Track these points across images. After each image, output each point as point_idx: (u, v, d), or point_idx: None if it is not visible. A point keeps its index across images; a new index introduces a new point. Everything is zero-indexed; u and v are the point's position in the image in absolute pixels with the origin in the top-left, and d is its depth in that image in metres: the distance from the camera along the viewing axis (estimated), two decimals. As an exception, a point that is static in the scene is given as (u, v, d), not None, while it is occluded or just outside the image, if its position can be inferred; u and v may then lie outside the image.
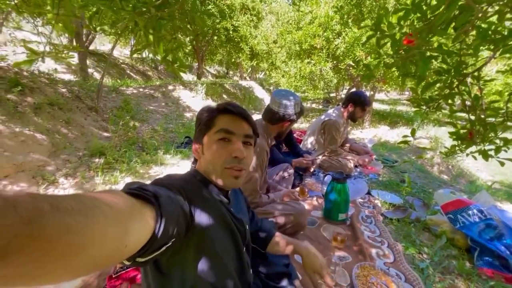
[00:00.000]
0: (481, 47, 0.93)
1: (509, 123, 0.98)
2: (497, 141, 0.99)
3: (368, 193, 2.34)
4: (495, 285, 1.33)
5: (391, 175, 2.96)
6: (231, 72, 22.08)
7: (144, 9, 0.85)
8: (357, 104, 2.62)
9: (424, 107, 1.16)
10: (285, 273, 1.08)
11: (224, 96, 9.43)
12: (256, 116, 1.14)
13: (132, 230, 0.37)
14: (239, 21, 10.43)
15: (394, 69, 1.09)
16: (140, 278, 1.20)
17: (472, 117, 1.02)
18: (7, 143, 2.66)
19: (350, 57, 6.46)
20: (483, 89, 1.03)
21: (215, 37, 11.24)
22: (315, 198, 2.22)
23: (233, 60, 13.72)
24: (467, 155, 1.08)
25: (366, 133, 6.58)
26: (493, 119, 1.02)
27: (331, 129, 2.66)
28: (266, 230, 1.03)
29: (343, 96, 11.52)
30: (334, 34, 6.71)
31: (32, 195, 0.25)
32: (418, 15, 0.90)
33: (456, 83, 1.02)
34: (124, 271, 1.21)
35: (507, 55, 0.92)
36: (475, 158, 1.07)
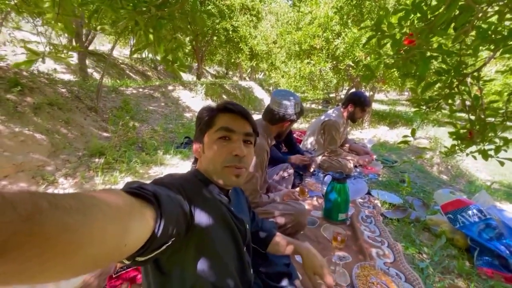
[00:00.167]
0: (481, 47, 0.93)
1: (508, 123, 0.99)
2: (497, 140, 1.00)
3: (368, 193, 2.34)
4: (494, 285, 1.33)
5: (390, 175, 2.97)
6: (230, 73, 22.07)
7: (144, 8, 0.85)
8: (357, 105, 2.62)
9: (424, 107, 1.16)
10: (286, 273, 1.08)
11: (224, 96, 9.43)
12: (256, 116, 1.14)
13: (131, 229, 0.36)
14: (238, 21, 10.42)
15: (392, 70, 1.09)
16: (140, 278, 1.20)
17: (472, 117, 1.02)
18: (7, 143, 2.65)
19: (350, 57, 6.47)
20: (483, 89, 1.03)
21: (215, 38, 11.24)
22: (315, 198, 2.22)
23: (232, 60, 13.71)
24: (467, 155, 1.08)
25: (366, 133, 6.59)
26: (493, 119, 1.03)
27: (331, 130, 2.66)
28: (267, 230, 1.03)
29: (342, 96, 11.52)
30: (333, 34, 6.72)
31: (31, 193, 0.25)
32: (418, 15, 0.90)
33: (456, 83, 1.02)
34: (124, 271, 1.21)
35: (507, 55, 0.93)
36: (475, 158, 1.07)
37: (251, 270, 0.85)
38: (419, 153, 4.27)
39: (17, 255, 0.22)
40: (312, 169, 2.74)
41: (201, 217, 0.63)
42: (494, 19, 0.90)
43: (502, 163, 0.98)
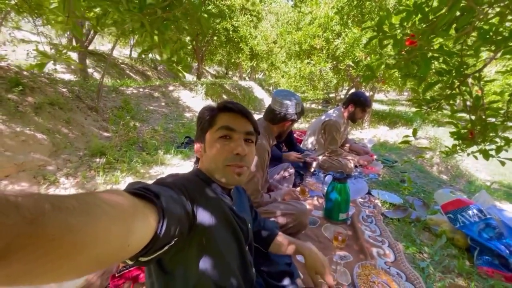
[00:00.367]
0: (482, 48, 0.94)
1: (509, 123, 0.99)
2: (498, 140, 1.00)
3: (369, 193, 2.35)
4: (495, 284, 1.34)
5: (391, 175, 2.98)
6: (230, 73, 22.07)
7: (149, 10, 0.85)
8: (358, 105, 2.63)
9: (425, 107, 1.17)
10: (287, 272, 1.09)
11: (224, 96, 9.43)
12: (256, 116, 1.14)
13: (135, 229, 0.37)
14: (239, 21, 10.43)
15: (393, 70, 1.10)
16: (142, 277, 1.20)
17: (473, 117, 1.03)
18: (8, 143, 2.66)
19: (350, 57, 6.47)
20: (484, 89, 1.04)
21: (215, 38, 11.24)
22: (315, 198, 2.22)
23: (232, 60, 13.71)
24: (468, 155, 1.09)
25: (366, 133, 6.60)
26: (494, 119, 1.03)
27: (331, 130, 2.67)
28: (269, 229, 1.04)
29: (342, 96, 11.52)
30: (333, 34, 6.72)
31: (34, 195, 0.26)
32: (420, 16, 0.91)
33: (457, 83, 1.03)
34: (127, 270, 1.21)
35: (507, 56, 0.93)
36: (476, 157, 1.08)
37: (253, 269, 0.85)
38: (419, 153, 4.28)
39: (21, 257, 0.22)
40: (312, 169, 2.75)
41: (204, 217, 0.64)
42: (495, 20, 0.90)
43: (503, 163, 0.99)
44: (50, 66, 6.68)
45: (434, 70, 1.11)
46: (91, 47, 9.75)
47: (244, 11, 11.04)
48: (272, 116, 1.65)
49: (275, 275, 1.06)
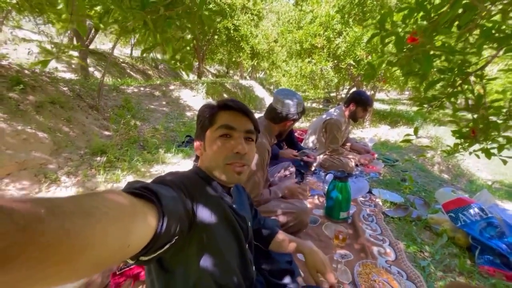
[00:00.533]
0: (484, 46, 0.93)
1: (511, 122, 0.99)
2: (500, 139, 1.00)
3: (369, 192, 2.35)
4: (496, 283, 1.34)
5: (392, 174, 2.97)
6: (231, 72, 22.05)
7: (151, 8, 0.85)
8: (359, 104, 2.62)
9: (426, 106, 1.17)
10: (288, 270, 1.09)
11: (225, 95, 9.42)
12: (257, 115, 1.14)
13: (134, 230, 0.37)
14: (239, 20, 10.41)
15: (395, 68, 1.10)
16: (143, 275, 1.21)
17: (475, 116, 1.03)
18: (9, 141, 2.66)
19: (351, 56, 6.47)
20: (486, 87, 1.03)
21: (216, 37, 11.22)
22: (316, 197, 2.22)
23: (233, 59, 13.69)
24: (470, 153, 1.09)
25: (367, 133, 6.59)
26: (496, 118, 1.03)
27: (332, 128, 2.67)
28: (269, 228, 1.04)
29: (343, 95, 11.51)
30: (335, 33, 6.71)
31: (30, 200, 0.25)
32: (422, 13, 0.90)
33: (459, 81, 1.02)
34: (127, 268, 1.22)
35: (510, 54, 0.93)
36: (478, 156, 1.07)
37: (253, 267, 0.85)
38: (420, 152, 4.27)
39: (17, 265, 0.22)
40: (313, 168, 2.74)
41: (203, 215, 0.63)
42: (497, 17, 0.90)
43: (505, 162, 0.98)
44: (51, 65, 6.68)
45: (436, 69, 1.10)
46: (91, 46, 9.75)
47: (245, 10, 11.02)
48: (273, 115, 1.64)
49: (276, 273, 1.06)
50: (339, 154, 2.75)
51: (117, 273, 1.21)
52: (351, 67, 7.11)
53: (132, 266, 1.22)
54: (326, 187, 1.93)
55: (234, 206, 0.77)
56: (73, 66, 8.31)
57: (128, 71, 11.49)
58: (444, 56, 0.97)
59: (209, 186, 0.72)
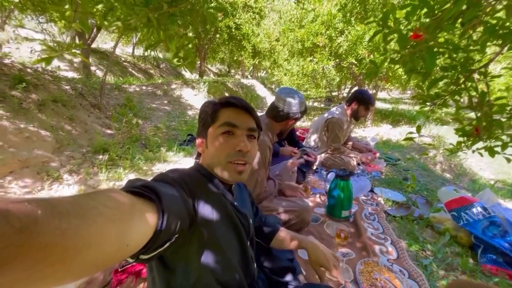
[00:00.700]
0: (488, 43, 0.92)
1: (515, 120, 0.98)
2: (504, 137, 0.99)
3: (371, 190, 2.34)
4: (499, 282, 1.33)
5: (393, 173, 2.96)
6: (232, 71, 22.05)
7: (155, 5, 0.85)
8: (361, 103, 2.61)
9: (429, 104, 1.16)
10: (290, 267, 1.09)
11: (226, 94, 9.43)
12: (258, 114, 1.14)
13: (133, 229, 0.36)
14: (241, 19, 10.38)
15: (397, 67, 1.09)
16: (145, 272, 1.21)
17: (479, 114, 1.02)
18: (12, 139, 2.67)
19: (353, 55, 6.44)
20: (490, 85, 1.02)
21: (217, 35, 11.20)
22: (318, 195, 2.22)
23: (235, 58, 13.68)
24: (473, 151, 1.08)
25: (368, 132, 6.57)
26: (499, 116, 1.02)
27: (334, 127, 2.66)
28: (271, 225, 1.04)
29: (345, 94, 11.47)
30: (336, 32, 6.69)
31: (27, 201, 0.25)
32: (425, 10, 0.90)
33: (463, 79, 1.02)
34: (129, 265, 1.22)
35: (513, 52, 0.92)
36: (481, 154, 1.07)
37: (255, 264, 0.85)
38: (422, 151, 4.25)
39: (14, 266, 0.22)
40: (315, 167, 2.74)
41: (205, 212, 0.63)
42: (502, 14, 0.89)
43: (508, 160, 0.97)
44: (53, 64, 6.71)
45: (439, 66, 1.09)
46: (93, 45, 9.77)
47: (246, 8, 10.99)
48: (275, 114, 1.64)
49: (278, 271, 1.06)
50: (341, 153, 2.75)
51: (119, 270, 1.21)
52: (353, 66, 7.08)
53: (134, 263, 1.23)
54: (328, 186, 1.93)
55: (235, 203, 0.77)
56: (75, 65, 8.34)
57: (130, 70, 11.52)
58: (447, 53, 0.97)
59: (211, 183, 0.72)
